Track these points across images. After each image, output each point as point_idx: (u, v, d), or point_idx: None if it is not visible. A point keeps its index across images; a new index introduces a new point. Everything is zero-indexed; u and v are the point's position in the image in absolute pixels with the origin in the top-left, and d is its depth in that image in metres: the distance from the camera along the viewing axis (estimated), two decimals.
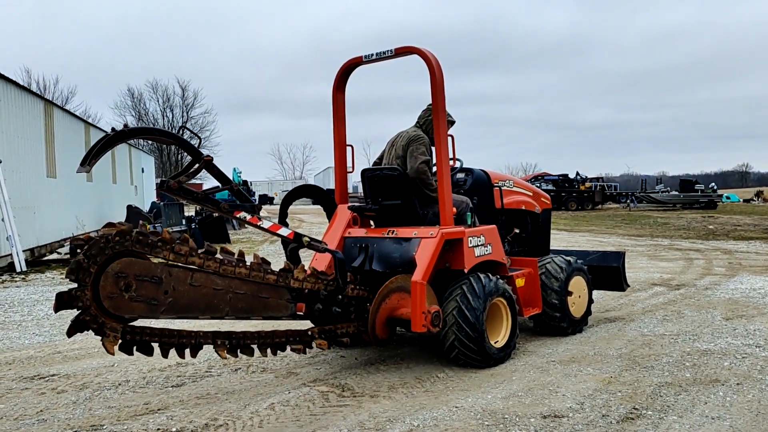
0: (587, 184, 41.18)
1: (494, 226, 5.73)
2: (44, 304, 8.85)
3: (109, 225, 3.96)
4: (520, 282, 5.91)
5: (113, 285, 3.81)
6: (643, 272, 10.81)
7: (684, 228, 22.13)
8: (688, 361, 5.29)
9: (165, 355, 4.18)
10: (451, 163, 5.43)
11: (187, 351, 4.26)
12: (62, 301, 3.72)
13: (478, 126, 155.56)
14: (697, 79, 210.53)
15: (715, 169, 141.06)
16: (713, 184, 43.79)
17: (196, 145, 4.58)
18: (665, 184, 47.27)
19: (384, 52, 5.51)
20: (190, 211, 25.43)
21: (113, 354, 3.91)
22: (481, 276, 5.24)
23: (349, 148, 6.08)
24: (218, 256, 4.36)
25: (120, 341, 3.91)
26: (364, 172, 5.85)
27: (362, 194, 5.99)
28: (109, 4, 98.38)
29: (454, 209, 5.47)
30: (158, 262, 4.08)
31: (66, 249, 15.42)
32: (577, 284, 6.35)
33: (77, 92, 73.67)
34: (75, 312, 3.80)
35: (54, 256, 15.07)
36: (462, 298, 5.10)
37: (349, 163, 6.08)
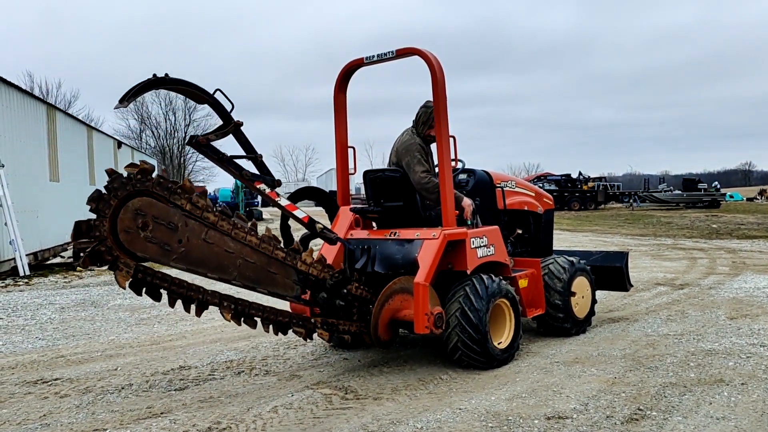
0: (590, 184, 41.18)
1: (497, 227, 5.71)
2: (47, 308, 8.86)
3: (132, 165, 4.00)
4: (523, 283, 5.89)
5: (131, 221, 3.86)
6: (647, 272, 10.78)
7: (687, 227, 22.09)
8: (693, 361, 5.27)
9: (172, 304, 4.21)
10: (453, 164, 5.42)
11: (194, 306, 4.30)
12: (80, 230, 3.76)
13: (481, 127, 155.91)
14: (700, 78, 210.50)
15: (719, 167, 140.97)
16: (716, 182, 43.75)
17: (229, 111, 4.64)
18: (668, 184, 47.27)
19: (385, 54, 5.50)
20: None
21: (124, 288, 3.94)
22: (484, 277, 5.23)
23: (350, 150, 6.07)
24: (233, 219, 4.43)
25: (131, 278, 3.94)
26: (366, 174, 5.84)
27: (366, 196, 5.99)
28: (112, 8, 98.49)
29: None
30: (176, 210, 4.11)
31: (69, 253, 15.43)
32: (581, 285, 6.33)
33: (80, 96, 73.63)
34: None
35: (57, 260, 15.10)
36: (465, 299, 5.08)
37: (350, 165, 6.08)
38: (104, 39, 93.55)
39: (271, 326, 4.73)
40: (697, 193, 39.57)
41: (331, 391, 4.73)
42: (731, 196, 48.69)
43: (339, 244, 5.32)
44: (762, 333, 6.15)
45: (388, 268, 5.34)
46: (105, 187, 3.82)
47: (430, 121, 5.62)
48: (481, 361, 5.12)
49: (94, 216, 3.81)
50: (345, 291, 5.02)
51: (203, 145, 4.51)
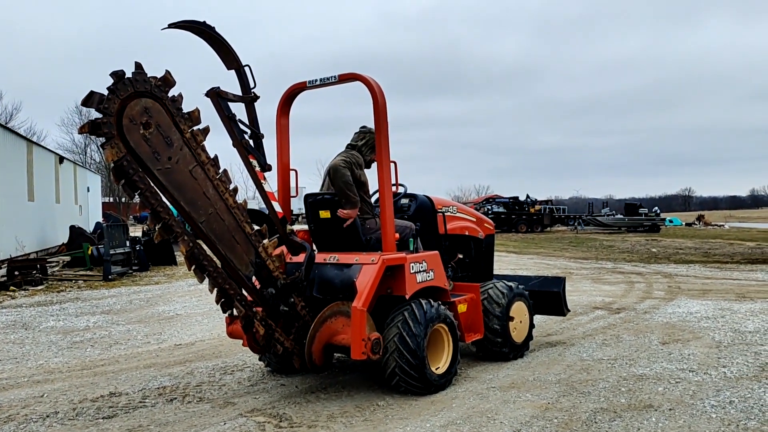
0: (537, 207, 41.94)
1: (437, 251, 5.75)
2: None
3: (155, 77, 4.19)
4: (462, 307, 5.93)
5: (138, 114, 4.05)
6: (586, 296, 11.01)
7: (628, 251, 22.70)
8: (624, 386, 5.38)
9: (141, 208, 4.27)
10: (394, 188, 5.45)
11: (158, 228, 4.30)
12: (92, 99, 3.88)
13: (433, 148, 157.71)
14: (644, 107, 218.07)
15: (660, 193, 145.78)
16: (656, 207, 45.13)
17: (251, 87, 4.93)
18: (611, 208, 48.41)
19: (328, 78, 5.53)
20: (136, 231, 24.83)
21: (110, 161, 4.01)
22: (423, 302, 5.24)
23: (293, 173, 6.05)
24: (221, 173, 4.56)
25: (118, 160, 4.01)
26: (306, 198, 5.82)
27: None
28: (61, 20, 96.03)
29: (397, 235, 5.48)
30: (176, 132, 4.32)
31: (3, 271, 14.81)
32: (519, 309, 6.42)
33: (22, 108, 71.07)
34: None
35: None
36: (403, 324, 5.09)
37: (292, 186, 6.05)
38: (50, 50, 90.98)
39: (216, 290, 4.70)
40: (638, 218, 40.69)
41: (265, 419, 4.64)
42: (671, 221, 50.26)
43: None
44: (692, 358, 6.33)
45: (326, 292, 5.30)
46: (131, 74, 4.04)
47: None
48: (419, 386, 5.12)
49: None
50: (292, 300, 4.98)
51: (221, 97, 4.68)
